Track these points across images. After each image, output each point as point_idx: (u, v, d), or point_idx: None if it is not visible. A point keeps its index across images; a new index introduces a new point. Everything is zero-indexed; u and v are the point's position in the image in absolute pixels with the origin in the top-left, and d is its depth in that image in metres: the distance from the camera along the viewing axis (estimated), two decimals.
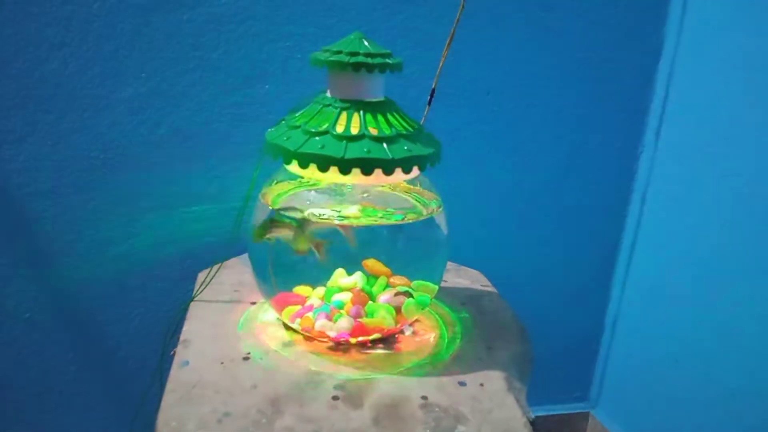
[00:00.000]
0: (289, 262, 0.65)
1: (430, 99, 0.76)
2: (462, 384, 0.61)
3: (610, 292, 1.16)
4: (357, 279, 0.67)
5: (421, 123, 0.66)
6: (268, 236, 0.63)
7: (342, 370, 0.62)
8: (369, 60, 0.59)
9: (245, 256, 0.79)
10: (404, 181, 0.67)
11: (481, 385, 0.61)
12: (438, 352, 0.67)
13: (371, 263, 0.67)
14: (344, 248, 0.64)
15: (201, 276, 0.79)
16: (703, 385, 0.97)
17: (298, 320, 0.66)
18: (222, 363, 0.62)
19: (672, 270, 1.03)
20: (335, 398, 0.57)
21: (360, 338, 0.66)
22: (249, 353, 0.64)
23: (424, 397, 0.58)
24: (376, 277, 0.68)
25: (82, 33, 0.81)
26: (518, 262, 1.08)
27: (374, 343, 0.67)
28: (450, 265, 0.86)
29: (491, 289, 0.83)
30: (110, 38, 0.82)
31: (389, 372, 0.62)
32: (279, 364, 0.62)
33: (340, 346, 0.66)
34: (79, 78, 0.83)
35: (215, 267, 0.79)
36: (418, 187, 0.69)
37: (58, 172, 0.86)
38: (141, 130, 0.87)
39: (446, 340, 0.69)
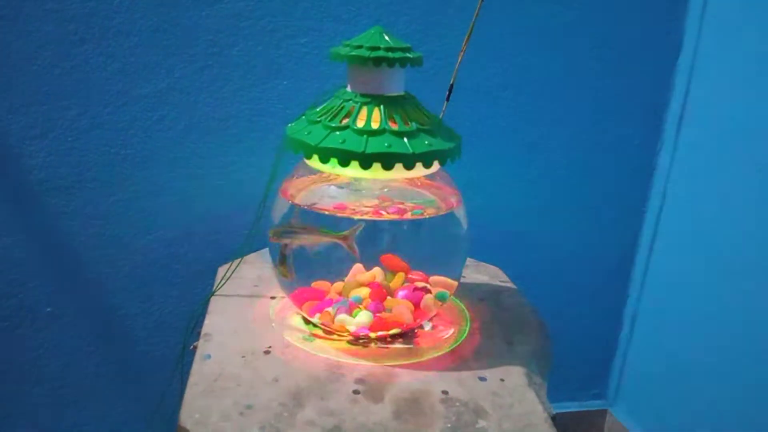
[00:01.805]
0: (308, 256, 0.65)
1: (449, 94, 0.75)
2: (482, 379, 0.61)
3: (629, 288, 1.15)
4: (375, 274, 0.67)
5: (440, 118, 0.66)
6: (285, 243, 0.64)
7: (362, 365, 0.62)
8: (390, 54, 0.59)
9: (265, 251, 0.80)
10: (424, 176, 0.67)
11: (502, 380, 0.61)
12: (458, 347, 0.67)
13: (389, 258, 0.67)
14: (361, 246, 0.64)
15: (221, 271, 0.80)
16: (722, 383, 0.96)
17: (318, 315, 0.66)
18: (243, 357, 0.62)
19: (692, 267, 1.02)
20: (356, 392, 0.58)
21: (380, 333, 0.66)
22: (270, 347, 0.64)
23: (445, 392, 0.58)
24: (395, 272, 0.68)
25: (103, 29, 0.82)
26: (537, 258, 1.08)
27: (394, 337, 0.67)
28: (469, 261, 0.86)
29: (510, 285, 0.83)
30: (130, 35, 0.83)
31: (409, 366, 0.62)
32: (300, 358, 0.62)
33: (359, 341, 0.66)
34: (99, 74, 0.84)
35: (235, 262, 0.79)
36: (437, 182, 0.69)
37: (79, 167, 0.87)
38: (160, 125, 0.87)
39: (466, 336, 0.69)
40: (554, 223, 1.07)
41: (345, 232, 0.61)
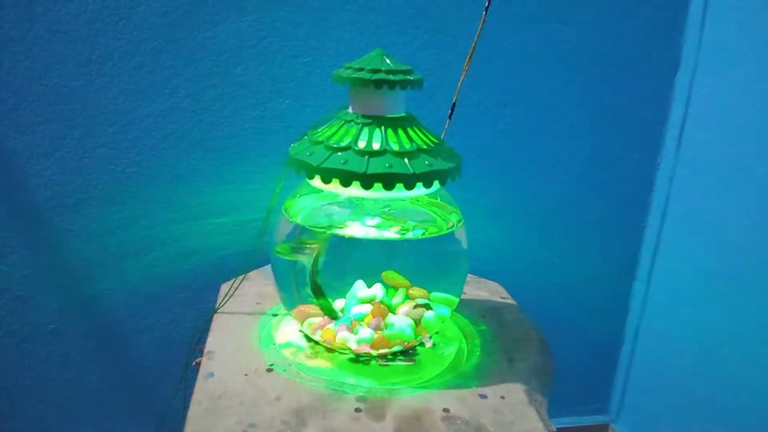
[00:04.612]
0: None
1: (451, 113, 0.77)
2: (483, 396, 0.61)
3: (630, 303, 1.16)
4: (377, 291, 0.68)
5: (441, 137, 0.67)
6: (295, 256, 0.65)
7: (364, 382, 0.63)
8: (390, 77, 0.60)
9: (267, 268, 0.80)
10: (425, 194, 0.68)
11: (502, 397, 0.61)
12: (458, 364, 0.67)
13: (390, 275, 0.67)
14: (363, 264, 0.65)
15: (224, 288, 0.81)
16: (725, 398, 0.96)
17: (320, 332, 0.67)
18: (246, 374, 0.63)
19: (694, 281, 1.02)
20: (358, 410, 0.58)
21: (381, 350, 0.66)
22: (272, 365, 0.65)
23: (446, 410, 0.59)
24: (396, 289, 0.68)
25: (108, 50, 0.83)
26: (537, 273, 1.08)
27: (395, 355, 0.68)
28: (469, 277, 0.87)
29: (511, 301, 0.83)
30: (135, 55, 0.84)
31: (410, 384, 0.63)
32: (302, 376, 0.63)
33: (361, 358, 0.67)
34: (104, 94, 0.85)
35: (238, 279, 0.80)
36: (438, 201, 0.70)
37: (84, 185, 0.88)
38: (164, 144, 0.88)
39: (466, 353, 0.70)
40: (554, 238, 1.07)
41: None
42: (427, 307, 0.68)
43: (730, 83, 0.95)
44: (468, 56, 0.75)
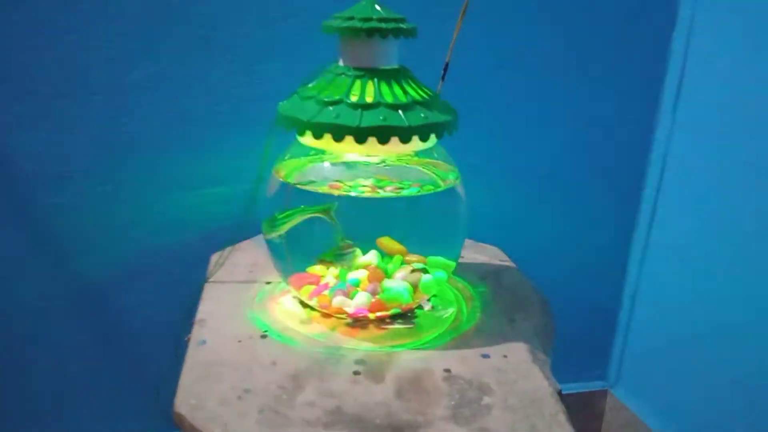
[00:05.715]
0: (304, 241, 0.64)
1: (444, 73, 0.74)
2: (485, 356, 0.60)
3: (628, 267, 1.15)
4: (372, 258, 0.66)
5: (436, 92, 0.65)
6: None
7: (362, 345, 0.61)
8: (383, 25, 0.57)
9: (259, 237, 0.78)
10: (420, 154, 0.66)
11: (505, 356, 0.60)
12: (458, 325, 0.66)
13: (385, 242, 0.65)
14: (357, 226, 0.63)
15: (214, 258, 0.79)
16: (725, 363, 0.96)
17: (316, 299, 0.65)
18: (239, 341, 0.61)
19: (691, 244, 1.01)
20: (356, 373, 0.56)
21: (378, 314, 0.64)
22: (266, 331, 0.63)
23: (447, 370, 0.57)
24: (392, 255, 0.66)
25: (90, 17, 0.80)
26: (534, 237, 1.07)
27: (393, 318, 0.66)
28: (467, 242, 0.85)
29: (510, 264, 0.82)
30: (118, 21, 0.81)
31: (410, 346, 0.61)
32: (298, 341, 0.61)
33: (358, 323, 0.65)
34: (87, 62, 0.82)
35: (228, 249, 0.78)
36: (434, 159, 0.68)
37: (69, 157, 0.85)
38: (151, 112, 0.86)
39: (466, 314, 0.68)
40: (552, 201, 1.06)
41: (324, 206, 0.60)
42: (424, 271, 0.66)
43: (727, 39, 0.93)
44: (460, 15, 0.72)
